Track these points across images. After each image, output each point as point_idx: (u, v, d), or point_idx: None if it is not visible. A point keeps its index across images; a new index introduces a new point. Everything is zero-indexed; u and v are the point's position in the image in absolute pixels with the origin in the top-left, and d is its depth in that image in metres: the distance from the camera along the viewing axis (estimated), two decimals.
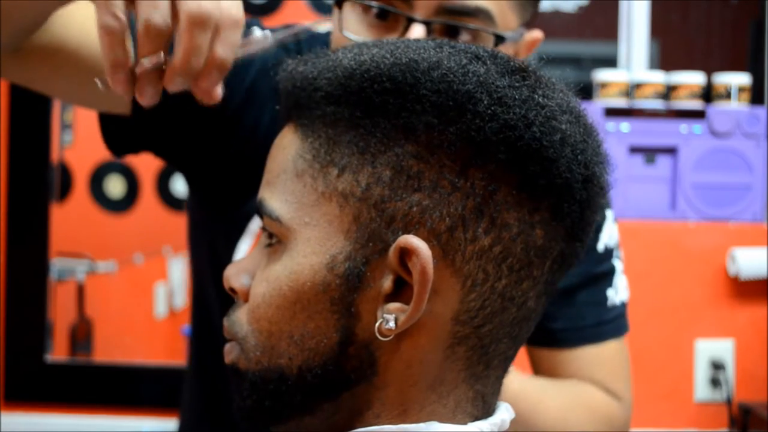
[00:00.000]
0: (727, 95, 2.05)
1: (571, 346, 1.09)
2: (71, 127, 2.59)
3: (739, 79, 2.06)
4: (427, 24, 0.92)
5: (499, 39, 0.94)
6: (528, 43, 1.04)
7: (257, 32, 0.77)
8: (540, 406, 1.01)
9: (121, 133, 1.04)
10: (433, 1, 0.92)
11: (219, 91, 0.77)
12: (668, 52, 2.57)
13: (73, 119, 2.59)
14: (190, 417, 1.24)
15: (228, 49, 0.73)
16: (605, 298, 1.10)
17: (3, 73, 0.97)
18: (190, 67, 0.72)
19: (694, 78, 2.04)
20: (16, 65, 0.94)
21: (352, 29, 0.95)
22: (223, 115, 1.01)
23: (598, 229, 1.09)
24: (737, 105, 2.05)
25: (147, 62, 0.71)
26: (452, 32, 0.94)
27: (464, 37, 0.94)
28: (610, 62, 2.23)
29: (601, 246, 1.09)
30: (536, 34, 1.04)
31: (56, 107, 2.24)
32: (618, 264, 1.12)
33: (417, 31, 0.92)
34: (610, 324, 1.10)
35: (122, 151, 1.09)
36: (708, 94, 2.07)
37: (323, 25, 1.10)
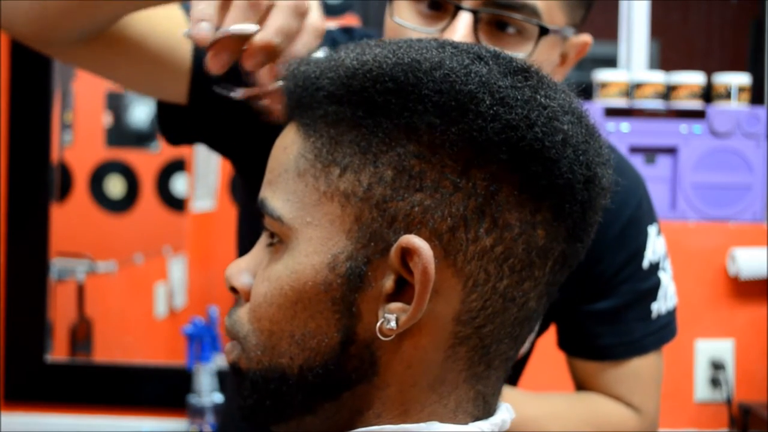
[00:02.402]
0: (727, 95, 2.05)
1: (611, 360, 1.12)
2: (71, 127, 2.59)
3: (739, 79, 2.06)
4: (474, 14, 0.94)
5: (543, 31, 0.95)
6: (577, 45, 1.05)
7: (320, 53, 0.78)
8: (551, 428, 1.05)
9: (177, 122, 1.07)
10: None
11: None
12: (668, 52, 2.58)
13: (73, 119, 2.59)
14: (232, 414, 1.24)
15: (304, 48, 0.75)
16: (650, 312, 1.12)
17: (70, 59, 1.00)
18: (274, 46, 0.73)
19: (694, 78, 2.04)
20: (83, 51, 0.97)
21: (403, 16, 0.97)
22: None
23: (643, 248, 1.11)
24: (737, 105, 2.05)
25: (236, 28, 0.73)
26: (499, 24, 0.96)
27: (510, 30, 0.96)
28: (610, 62, 2.23)
29: (645, 263, 1.11)
30: (585, 37, 1.05)
31: (56, 107, 2.24)
32: (663, 275, 1.13)
33: (464, 19, 0.94)
34: (652, 336, 1.12)
35: (177, 140, 1.11)
36: (708, 94, 2.07)
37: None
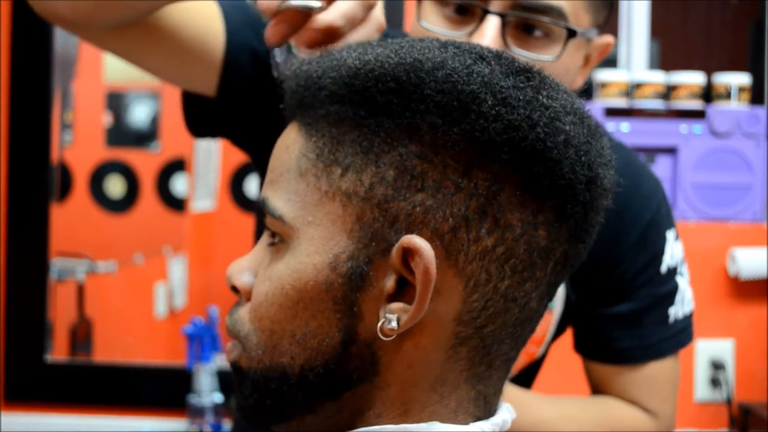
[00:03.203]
0: (727, 95, 2.05)
1: (628, 364, 1.12)
2: (71, 127, 2.59)
3: (739, 79, 2.06)
4: (502, 17, 0.94)
5: (571, 33, 0.96)
6: (599, 46, 1.05)
7: None
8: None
9: (203, 114, 1.07)
10: None
11: None
12: (668, 52, 2.57)
13: (73, 119, 2.59)
14: None
15: (365, 38, 0.76)
16: (667, 317, 1.12)
17: (100, 43, 1.00)
18: (334, 29, 0.74)
19: (694, 78, 2.04)
20: (115, 37, 0.98)
21: (429, 20, 0.98)
22: None
23: (661, 252, 1.11)
24: (737, 105, 2.05)
25: (301, 3, 0.73)
26: (526, 27, 0.96)
27: (537, 33, 0.96)
28: (610, 62, 2.23)
29: (663, 268, 1.11)
30: (607, 38, 1.06)
31: (56, 107, 2.24)
32: (681, 280, 1.14)
33: (491, 23, 0.94)
34: (670, 340, 1.13)
35: (201, 132, 1.12)
36: (708, 94, 2.07)
37: None
